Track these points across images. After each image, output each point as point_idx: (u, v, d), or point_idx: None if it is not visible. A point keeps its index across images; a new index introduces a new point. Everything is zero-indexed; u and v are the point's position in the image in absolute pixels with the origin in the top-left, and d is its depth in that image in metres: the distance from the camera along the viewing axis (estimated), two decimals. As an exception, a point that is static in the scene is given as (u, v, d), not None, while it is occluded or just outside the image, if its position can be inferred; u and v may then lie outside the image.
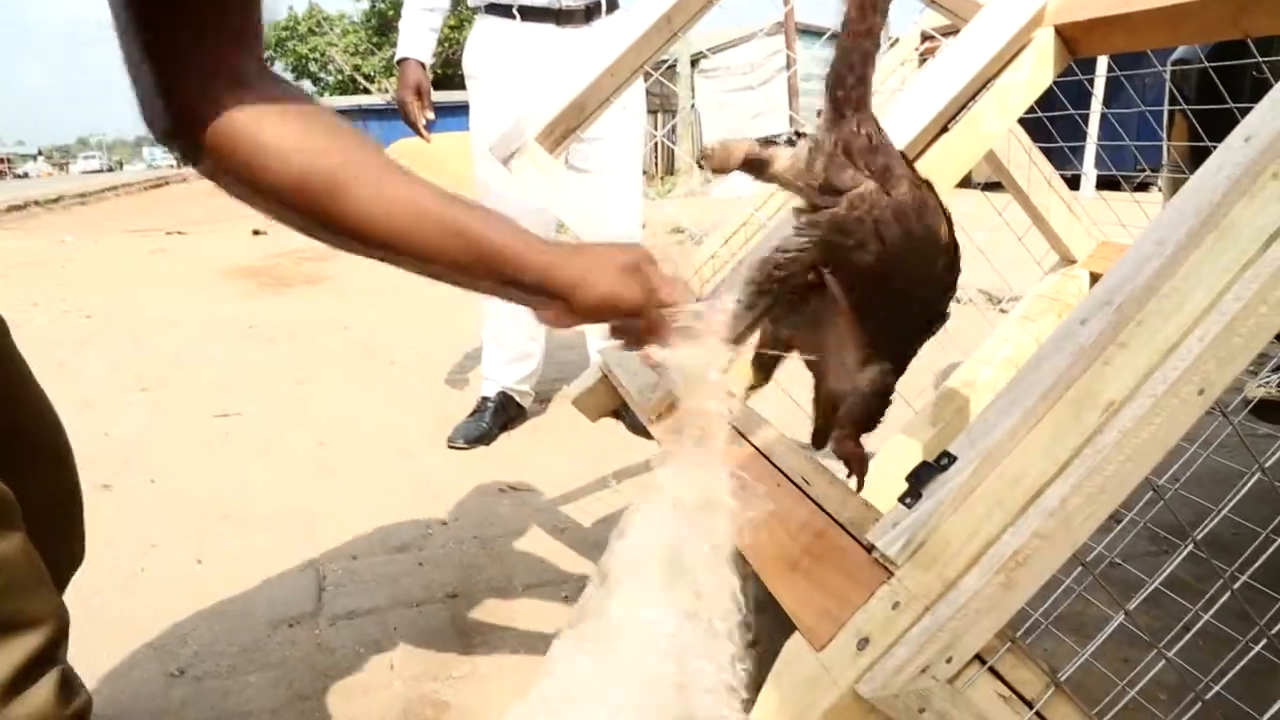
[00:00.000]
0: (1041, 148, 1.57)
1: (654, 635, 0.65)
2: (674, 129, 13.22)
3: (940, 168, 1.14)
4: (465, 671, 1.48)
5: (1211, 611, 1.05)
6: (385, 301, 4.81)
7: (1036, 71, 1.16)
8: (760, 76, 14.02)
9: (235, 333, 4.25)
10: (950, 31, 1.36)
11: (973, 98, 1.14)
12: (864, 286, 0.77)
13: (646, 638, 0.65)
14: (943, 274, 0.78)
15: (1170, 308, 0.64)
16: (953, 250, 0.78)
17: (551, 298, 0.74)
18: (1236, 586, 0.88)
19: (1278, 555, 1.03)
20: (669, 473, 0.73)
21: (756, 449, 0.91)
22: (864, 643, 0.64)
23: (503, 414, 2.62)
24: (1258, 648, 0.99)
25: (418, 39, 2.56)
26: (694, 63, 13.98)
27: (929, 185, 0.78)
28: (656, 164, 13.92)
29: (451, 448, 2.52)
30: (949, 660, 0.62)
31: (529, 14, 2.46)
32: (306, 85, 30.89)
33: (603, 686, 0.61)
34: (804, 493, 0.81)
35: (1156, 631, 1.49)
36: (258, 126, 0.66)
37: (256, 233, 8.91)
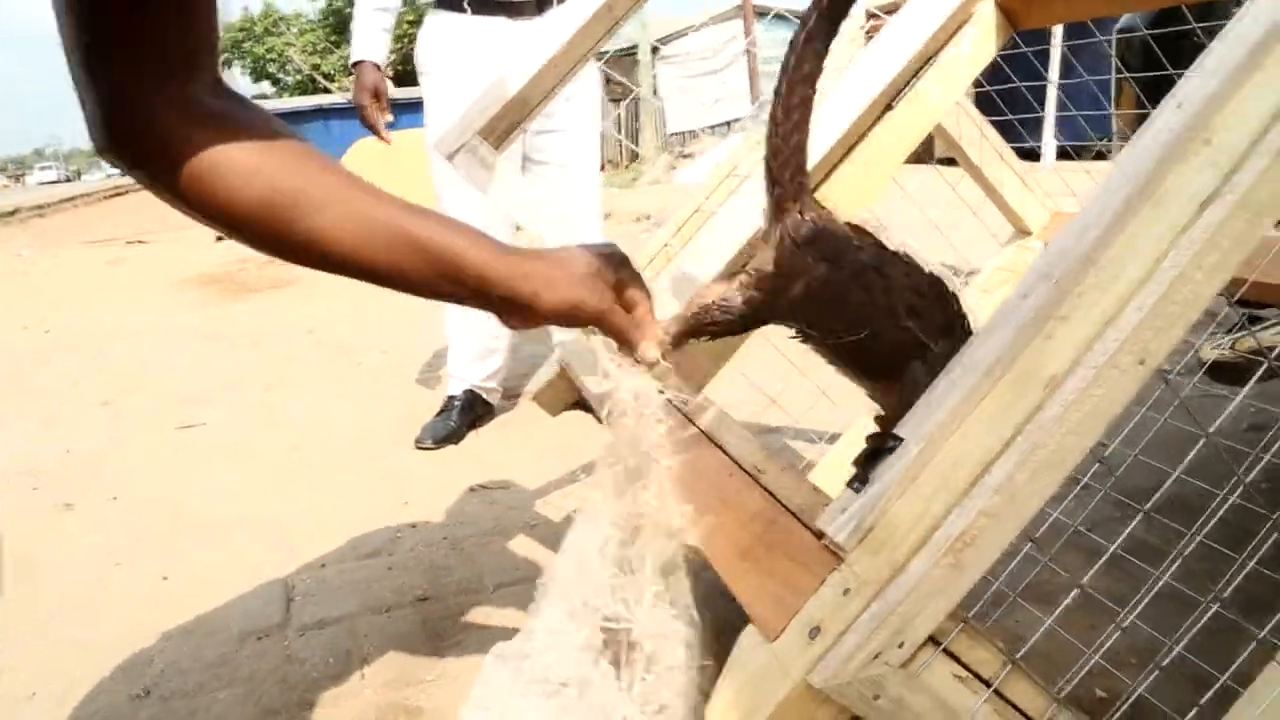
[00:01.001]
0: (999, 121, 1.57)
1: (573, 654, 0.64)
2: (637, 117, 13.19)
3: (887, 145, 1.13)
4: (437, 674, 1.46)
5: (1169, 573, 1.05)
6: (351, 302, 4.76)
7: (979, 45, 1.16)
8: (722, 61, 14.02)
9: (199, 341, 4.20)
10: (895, 10, 1.35)
11: (916, 74, 1.14)
12: (851, 341, 0.82)
13: (566, 655, 0.64)
14: (917, 300, 0.82)
15: (1108, 278, 0.64)
16: (917, 280, 0.83)
17: (515, 305, 0.74)
18: (1191, 548, 0.88)
19: (1236, 515, 1.03)
20: (603, 496, 0.73)
21: (709, 438, 0.91)
22: (815, 631, 0.63)
23: (470, 412, 2.60)
24: (1215, 608, 1.00)
25: (371, 40, 2.53)
26: (654, 50, 13.93)
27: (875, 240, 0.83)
28: (621, 153, 13.89)
29: (420, 448, 2.50)
30: (901, 645, 0.62)
31: (480, 7, 2.44)
32: (265, 86, 30.53)
33: (522, 703, 0.61)
34: (756, 481, 0.80)
35: (1124, 596, 1.50)
36: (216, 146, 0.64)
37: (220, 238, 8.79)
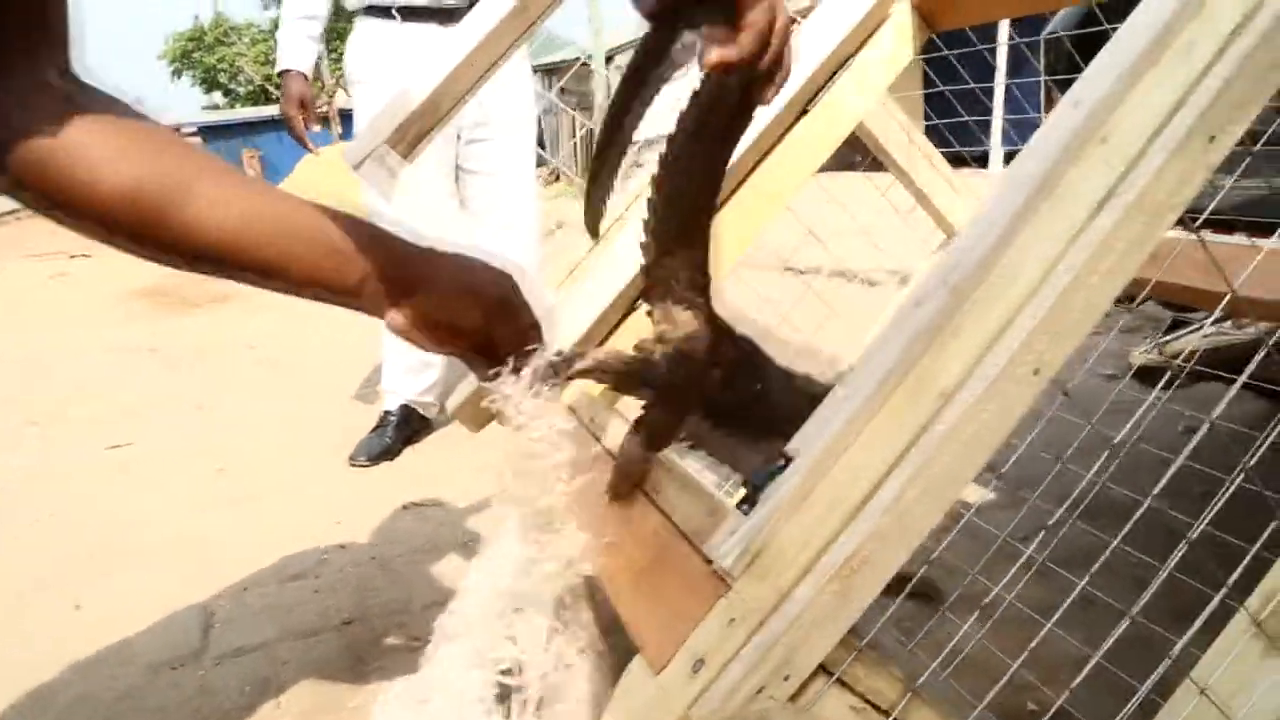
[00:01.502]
0: (939, 124, 1.56)
1: (468, 707, 0.60)
2: (591, 129, 13.15)
3: (801, 150, 1.11)
4: (359, 702, 1.41)
5: (1087, 579, 1.03)
6: (294, 317, 4.67)
7: (896, 47, 1.13)
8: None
9: (136, 358, 4.09)
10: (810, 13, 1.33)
11: (831, 78, 1.11)
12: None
13: (457, 700, 0.60)
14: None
15: (1003, 284, 0.61)
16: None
17: (406, 286, 0.69)
18: (1100, 563, 0.86)
19: (1172, 521, 1.01)
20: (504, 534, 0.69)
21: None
22: (699, 664, 0.59)
23: (406, 427, 2.54)
24: (1127, 620, 0.98)
25: (297, 49, 2.46)
26: (609, 60, 13.90)
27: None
28: (576, 163, 13.84)
29: (354, 466, 2.43)
30: (787, 678, 0.58)
31: (410, 14, 2.39)
32: (217, 97, 30.04)
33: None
34: (652, 502, 0.76)
35: (1058, 607, 1.48)
36: (78, 135, 0.59)
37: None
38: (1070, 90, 0.65)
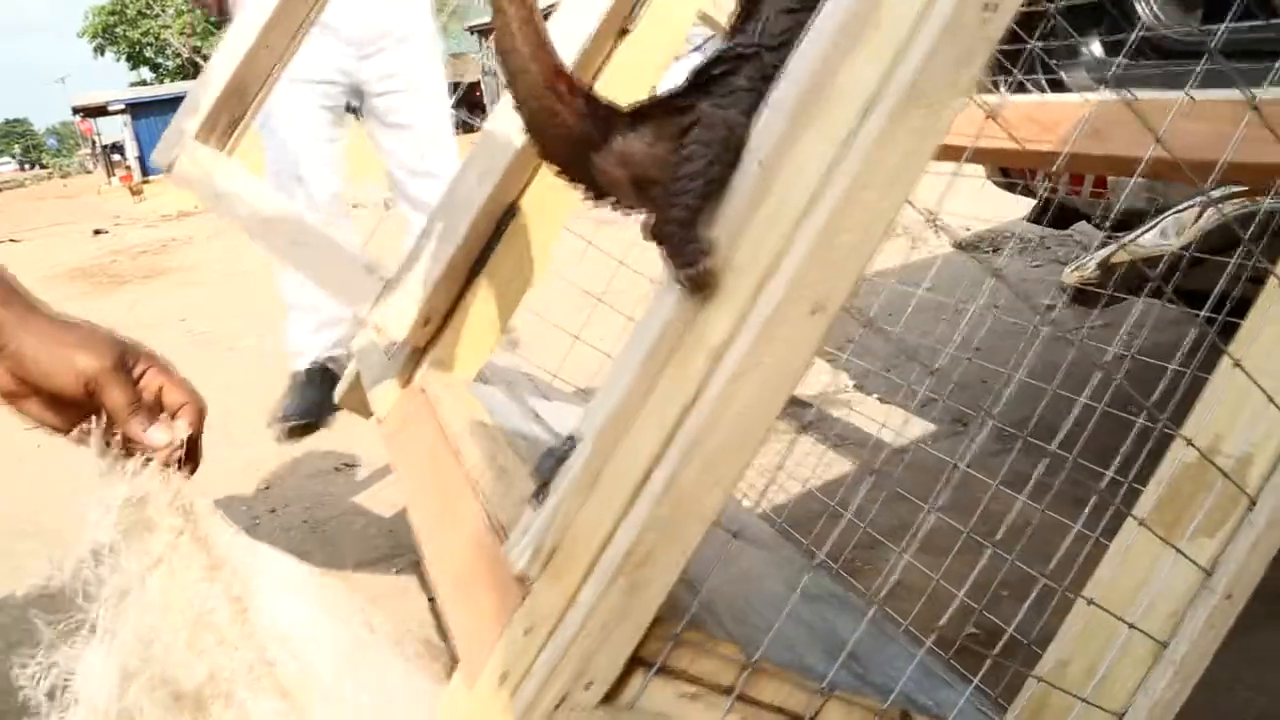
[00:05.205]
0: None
1: None
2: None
3: (654, 35, 1.02)
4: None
5: (1022, 500, 0.98)
6: (228, 289, 4.56)
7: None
8: None
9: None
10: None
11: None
12: None
13: None
14: None
15: (774, 215, 0.54)
16: None
17: None
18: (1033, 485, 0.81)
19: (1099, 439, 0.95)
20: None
21: (449, 444, 0.80)
22: (504, 677, 0.54)
23: (322, 387, 2.43)
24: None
25: None
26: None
27: None
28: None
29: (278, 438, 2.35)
30: (589, 686, 0.53)
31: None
32: (145, 73, 28.84)
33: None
34: (476, 496, 0.70)
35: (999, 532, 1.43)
36: None
37: (98, 232, 8.39)
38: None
